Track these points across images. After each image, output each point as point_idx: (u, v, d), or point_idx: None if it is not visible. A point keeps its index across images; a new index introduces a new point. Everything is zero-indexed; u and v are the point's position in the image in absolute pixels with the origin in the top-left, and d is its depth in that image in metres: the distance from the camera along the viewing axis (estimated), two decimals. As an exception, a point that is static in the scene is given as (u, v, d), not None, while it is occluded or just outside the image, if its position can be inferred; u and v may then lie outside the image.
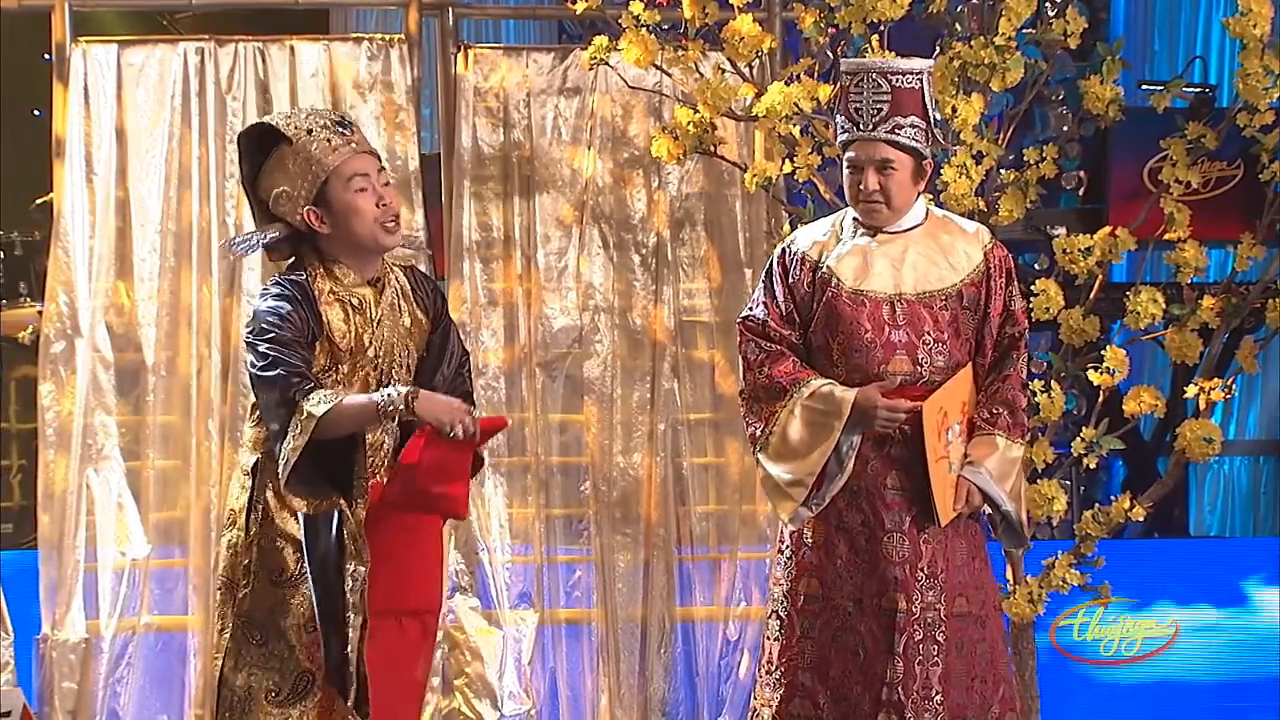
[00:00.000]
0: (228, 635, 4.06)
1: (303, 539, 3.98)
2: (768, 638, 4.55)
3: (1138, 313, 5.52)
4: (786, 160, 5.66)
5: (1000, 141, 5.55)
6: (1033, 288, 5.45)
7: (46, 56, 6.39)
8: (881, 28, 5.50)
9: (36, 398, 6.30)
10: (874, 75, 4.41)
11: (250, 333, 3.95)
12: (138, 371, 6.31)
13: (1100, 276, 5.64)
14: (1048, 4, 5.88)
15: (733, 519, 6.42)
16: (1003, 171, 5.59)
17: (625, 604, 6.35)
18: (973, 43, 5.43)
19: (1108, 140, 7.43)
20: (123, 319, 6.31)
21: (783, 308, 4.49)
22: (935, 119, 4.46)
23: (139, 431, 6.30)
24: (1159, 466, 7.36)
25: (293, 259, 4.12)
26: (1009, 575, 5.57)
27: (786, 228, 5.80)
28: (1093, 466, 5.67)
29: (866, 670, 4.39)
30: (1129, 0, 9.11)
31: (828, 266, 4.47)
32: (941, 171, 5.35)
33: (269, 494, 4.04)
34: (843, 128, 4.47)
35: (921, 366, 4.41)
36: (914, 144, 4.40)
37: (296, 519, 4.00)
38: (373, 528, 3.96)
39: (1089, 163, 7.70)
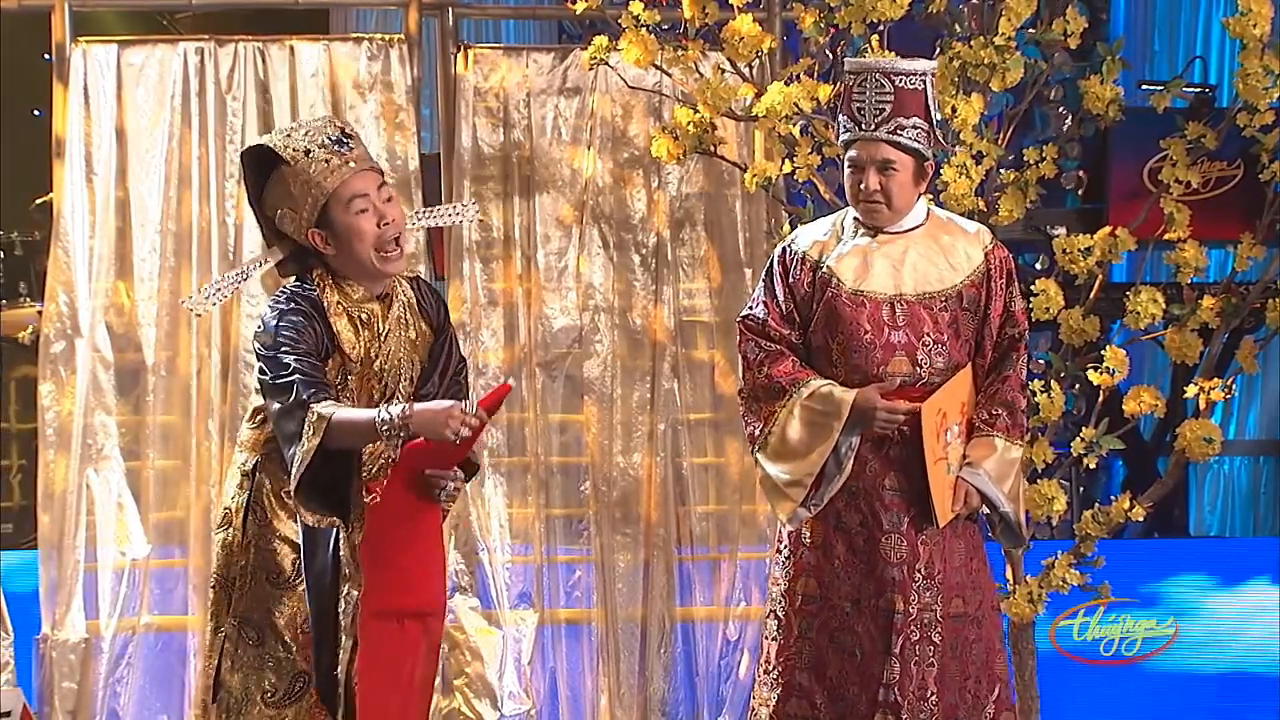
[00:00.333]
0: (222, 635, 4.06)
1: (300, 545, 3.99)
2: (766, 637, 4.55)
3: (1138, 313, 5.52)
4: (786, 160, 5.66)
5: (1000, 141, 5.55)
6: (1033, 288, 5.45)
7: (46, 56, 6.39)
8: (881, 28, 5.50)
9: (36, 398, 6.30)
10: (877, 75, 4.41)
11: (264, 346, 3.92)
12: (138, 371, 6.31)
13: (1100, 276, 5.64)
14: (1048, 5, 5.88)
15: (733, 519, 6.42)
16: (1003, 171, 5.59)
17: (625, 604, 6.36)
18: (973, 43, 5.42)
19: (1108, 140, 7.43)
20: (123, 319, 6.31)
21: (783, 307, 4.49)
22: (937, 120, 4.46)
23: (139, 431, 6.30)
24: (1159, 466, 7.36)
25: (300, 269, 4.09)
26: (1009, 575, 5.57)
27: (786, 228, 5.80)
28: (1093, 466, 5.67)
29: (863, 670, 4.39)
30: (1129, 0, 9.11)
31: (828, 266, 4.47)
32: (941, 171, 5.35)
33: (267, 496, 4.04)
34: (845, 127, 4.47)
35: (921, 367, 4.41)
36: (916, 145, 4.40)
37: (295, 521, 4.00)
38: (373, 529, 3.95)
39: (1089, 163, 7.69)
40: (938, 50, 5.52)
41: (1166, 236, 5.65)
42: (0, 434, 7.45)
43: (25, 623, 6.19)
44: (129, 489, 6.27)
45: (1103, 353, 5.56)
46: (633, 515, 6.37)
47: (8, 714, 5.82)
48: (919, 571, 4.38)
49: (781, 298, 4.50)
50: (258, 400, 4.04)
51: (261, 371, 3.92)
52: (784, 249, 4.56)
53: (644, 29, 5.65)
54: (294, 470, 3.83)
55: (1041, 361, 5.96)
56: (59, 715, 6.17)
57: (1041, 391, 5.50)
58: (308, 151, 3.97)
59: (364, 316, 4.04)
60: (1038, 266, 7.34)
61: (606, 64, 5.87)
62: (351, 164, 4.00)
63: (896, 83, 4.40)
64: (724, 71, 5.73)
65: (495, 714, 6.26)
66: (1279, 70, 5.42)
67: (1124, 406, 5.66)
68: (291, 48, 6.36)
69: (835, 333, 4.43)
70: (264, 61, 6.35)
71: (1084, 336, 5.60)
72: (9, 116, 8.00)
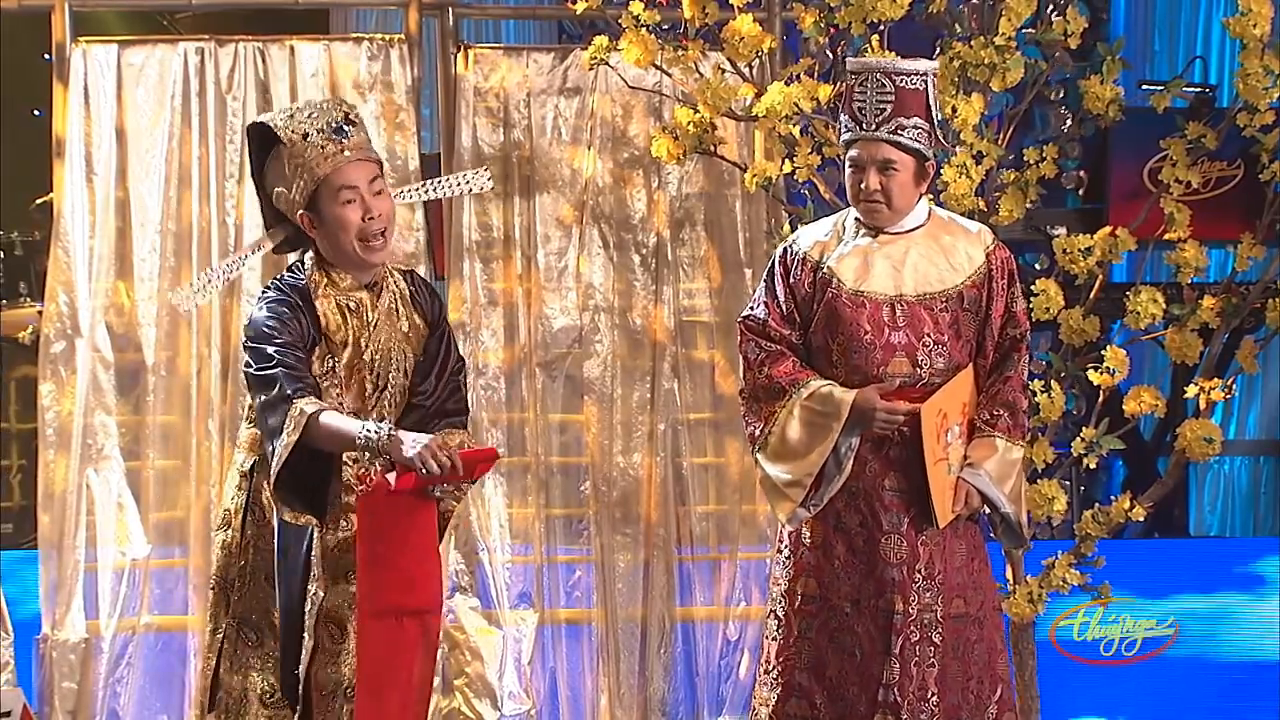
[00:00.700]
0: (220, 636, 4.06)
1: (275, 548, 4.00)
2: (766, 637, 4.55)
3: (1138, 313, 5.52)
4: (786, 160, 5.66)
5: (1000, 141, 5.55)
6: (1033, 288, 5.45)
7: (46, 56, 6.39)
8: (881, 28, 5.50)
9: (36, 398, 6.30)
10: (879, 75, 4.41)
11: (249, 338, 3.95)
12: (138, 371, 6.31)
13: (1100, 276, 5.64)
14: (1050, 5, 5.88)
15: (733, 519, 6.42)
16: (1003, 171, 5.59)
17: (625, 604, 6.35)
18: (973, 43, 5.42)
19: (1108, 140, 7.42)
20: (123, 319, 6.31)
21: (783, 308, 4.49)
22: (938, 120, 4.46)
23: (139, 431, 6.30)
24: (1159, 466, 7.36)
25: (299, 250, 4.12)
26: (1009, 575, 5.57)
27: (786, 228, 5.80)
28: (1093, 466, 5.67)
29: (863, 671, 4.39)
30: (1129, 0, 9.11)
31: (828, 267, 4.47)
32: (942, 172, 5.35)
33: (265, 497, 4.04)
34: (846, 127, 4.47)
35: (921, 368, 4.41)
36: (917, 145, 4.40)
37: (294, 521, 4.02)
38: (370, 529, 3.95)
39: (1089, 163, 7.69)
40: (938, 50, 5.52)
41: (1166, 236, 5.65)
42: (0, 434, 7.44)
43: (25, 623, 6.19)
44: (129, 489, 6.27)
45: (1103, 353, 5.57)
46: (633, 515, 6.37)
47: (8, 714, 5.82)
48: (919, 572, 4.38)
49: (782, 298, 4.49)
50: None
51: (247, 365, 3.95)
52: (785, 249, 4.56)
53: (644, 29, 5.65)
54: (273, 465, 3.85)
55: (1042, 361, 5.96)
56: (59, 715, 6.17)
57: (1042, 391, 5.50)
58: (306, 135, 3.99)
59: (352, 305, 4.05)
60: (1038, 266, 7.34)
61: (606, 64, 5.87)
62: (347, 152, 4.00)
63: (897, 82, 4.39)
64: (724, 71, 5.73)
65: (495, 714, 6.26)
66: (1279, 70, 5.42)
67: (1124, 406, 5.66)
68: (292, 48, 6.36)
69: (835, 333, 4.43)
70: (264, 61, 6.35)
71: (1084, 336, 5.60)
72: (9, 116, 8.00)
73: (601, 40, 5.77)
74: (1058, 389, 5.55)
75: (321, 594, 3.95)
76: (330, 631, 4.04)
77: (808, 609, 4.45)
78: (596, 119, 6.43)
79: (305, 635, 3.97)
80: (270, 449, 3.87)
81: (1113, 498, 5.67)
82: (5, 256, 7.70)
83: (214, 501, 6.16)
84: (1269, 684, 6.54)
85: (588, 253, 6.43)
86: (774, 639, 4.50)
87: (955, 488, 4.41)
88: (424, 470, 3.81)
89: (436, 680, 6.19)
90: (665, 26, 5.73)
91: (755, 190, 5.77)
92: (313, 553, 3.96)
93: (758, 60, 5.82)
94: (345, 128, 4.03)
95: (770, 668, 4.50)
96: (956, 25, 5.63)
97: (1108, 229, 5.61)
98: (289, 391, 3.85)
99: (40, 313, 6.59)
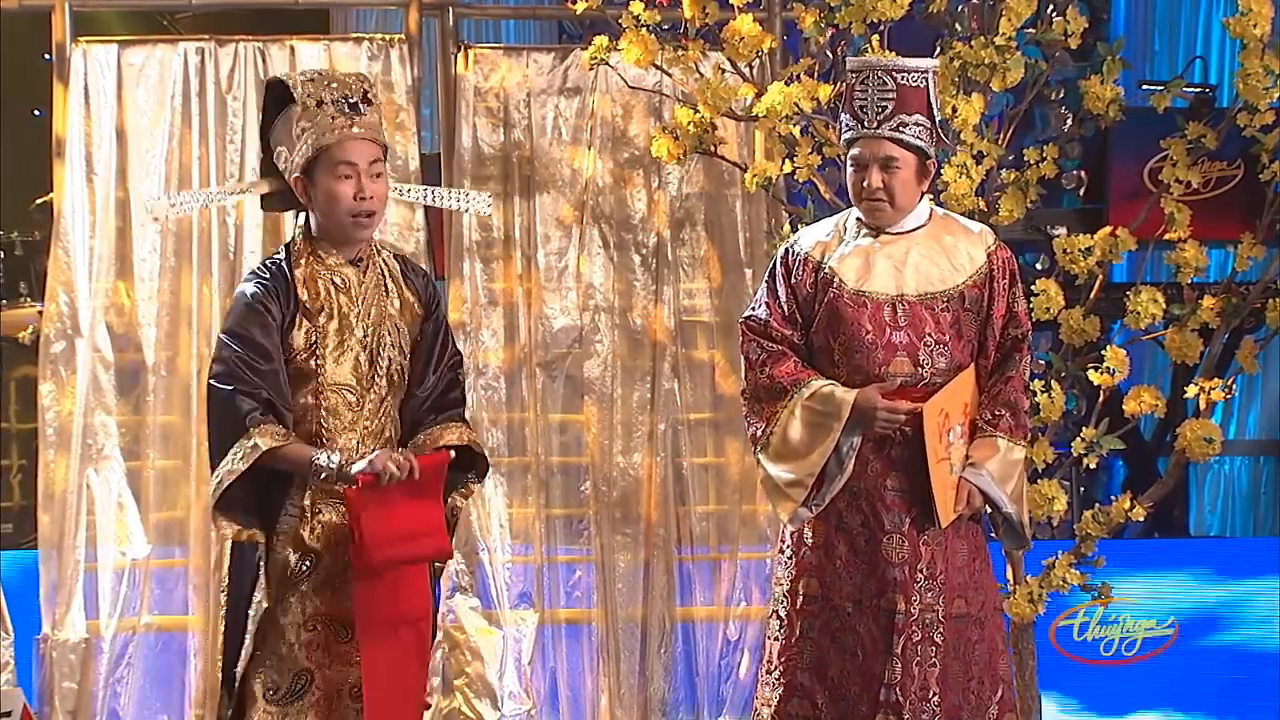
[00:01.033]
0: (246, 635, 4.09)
1: (291, 545, 4.02)
2: (768, 637, 4.55)
3: (1138, 313, 5.52)
4: (786, 160, 5.66)
5: (1000, 141, 5.55)
6: (1033, 288, 5.45)
7: (46, 56, 6.39)
8: (881, 28, 5.50)
9: (36, 398, 6.30)
10: (879, 73, 4.41)
11: (224, 332, 3.99)
12: (138, 371, 6.31)
13: (1100, 276, 5.64)
14: (1050, 5, 5.88)
15: (733, 519, 6.42)
16: (1003, 171, 5.59)
17: (625, 604, 6.36)
18: (973, 43, 5.43)
19: (1108, 140, 7.42)
20: (123, 319, 6.31)
21: (785, 308, 4.49)
22: (939, 119, 4.46)
23: (139, 431, 6.30)
24: (1159, 466, 7.36)
25: (289, 211, 4.16)
26: (1009, 575, 5.57)
27: (787, 228, 5.80)
28: (1093, 466, 5.67)
29: (865, 671, 4.39)
30: (1129, 0, 9.11)
31: (829, 267, 4.47)
32: (942, 171, 5.35)
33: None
34: (847, 125, 4.47)
35: (922, 368, 4.41)
36: (918, 142, 4.40)
37: (300, 520, 4.02)
38: (367, 542, 3.96)
39: (1089, 163, 7.70)
40: (938, 50, 5.53)
41: (1167, 236, 5.65)
42: (0, 434, 7.44)
43: (25, 623, 6.19)
44: (129, 489, 6.27)
45: (1103, 353, 5.57)
46: (633, 515, 6.37)
47: (8, 714, 5.82)
48: (921, 572, 4.38)
49: (784, 298, 4.49)
50: None
51: (211, 365, 3.98)
52: (787, 250, 4.56)
53: (644, 29, 5.65)
54: (213, 487, 3.91)
55: (1042, 361, 5.96)
56: (59, 715, 6.17)
57: (1042, 391, 5.50)
58: (320, 102, 4.01)
59: (339, 280, 4.07)
60: (1038, 266, 7.34)
61: (607, 64, 5.87)
62: (356, 129, 4.02)
63: (899, 80, 4.39)
64: (724, 71, 5.73)
65: (495, 714, 6.26)
66: (1279, 70, 5.43)
67: (1124, 406, 5.66)
68: (292, 48, 6.36)
69: (837, 333, 4.43)
70: (264, 61, 6.35)
71: (1084, 336, 5.60)
72: (9, 116, 8.00)
73: (601, 40, 5.77)
74: (1058, 389, 5.55)
75: (265, 605, 3.97)
76: (336, 632, 4.05)
77: (809, 609, 4.45)
78: (596, 119, 6.43)
79: (246, 639, 4.00)
80: (214, 464, 3.92)
81: (1113, 498, 5.68)
82: (5, 256, 7.70)
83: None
84: (1269, 684, 6.54)
85: (588, 253, 6.43)
86: (776, 639, 4.50)
87: (957, 487, 4.41)
88: (385, 477, 3.89)
89: (436, 680, 6.20)
90: (665, 26, 5.73)
91: (755, 190, 5.77)
92: (261, 565, 4.00)
93: (758, 60, 5.82)
94: (361, 105, 4.04)
95: (772, 667, 4.50)
96: (956, 25, 5.63)
97: (1108, 229, 5.61)
98: (244, 419, 3.89)
99: (40, 313, 6.59)
